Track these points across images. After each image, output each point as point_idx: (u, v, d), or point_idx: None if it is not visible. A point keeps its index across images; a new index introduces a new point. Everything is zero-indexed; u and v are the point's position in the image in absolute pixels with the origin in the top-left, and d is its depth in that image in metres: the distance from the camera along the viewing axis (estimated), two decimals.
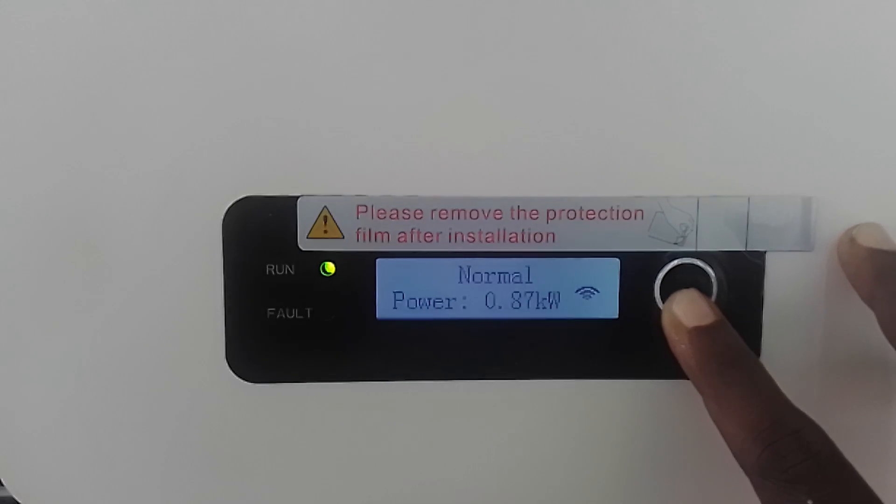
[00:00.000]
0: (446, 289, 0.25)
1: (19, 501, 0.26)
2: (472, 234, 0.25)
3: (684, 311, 0.25)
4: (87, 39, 0.24)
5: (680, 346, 0.25)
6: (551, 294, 0.26)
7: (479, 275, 0.26)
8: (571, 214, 0.25)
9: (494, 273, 0.26)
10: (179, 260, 0.25)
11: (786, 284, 0.26)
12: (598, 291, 0.26)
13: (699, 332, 0.24)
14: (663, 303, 0.25)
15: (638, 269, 0.25)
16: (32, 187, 0.25)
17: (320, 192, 0.25)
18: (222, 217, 0.25)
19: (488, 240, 0.25)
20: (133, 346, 0.25)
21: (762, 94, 0.25)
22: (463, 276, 0.25)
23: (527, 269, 0.26)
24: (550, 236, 0.25)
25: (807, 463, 0.21)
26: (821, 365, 0.26)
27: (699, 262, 0.25)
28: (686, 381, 0.24)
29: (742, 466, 0.23)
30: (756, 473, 0.22)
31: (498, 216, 0.25)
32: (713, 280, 0.25)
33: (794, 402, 0.23)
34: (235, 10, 0.24)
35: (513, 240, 0.25)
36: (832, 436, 0.22)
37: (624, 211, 0.25)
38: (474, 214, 0.25)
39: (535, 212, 0.25)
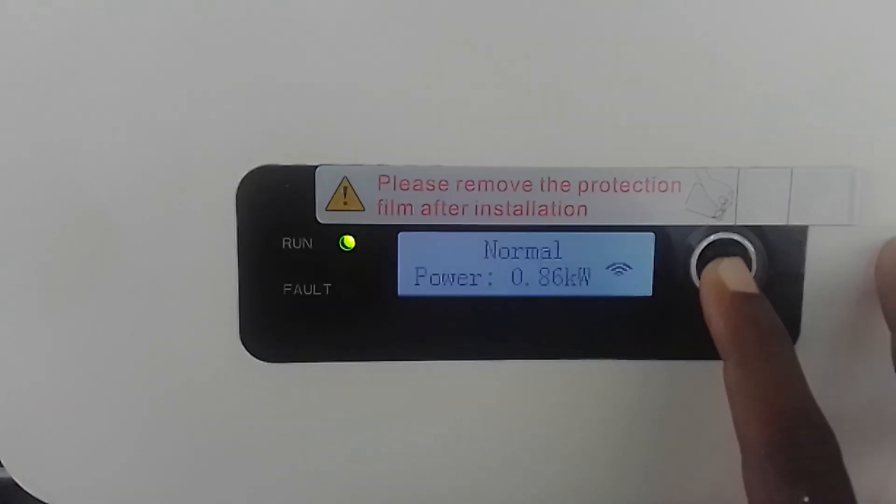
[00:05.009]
0: (471, 264, 0.24)
1: (19, 483, 0.26)
2: (499, 207, 0.24)
3: (729, 275, 0.23)
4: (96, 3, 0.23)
5: (716, 307, 0.23)
6: (581, 270, 0.25)
7: (506, 250, 0.24)
8: (605, 186, 0.24)
9: (522, 248, 0.24)
10: (191, 233, 0.24)
11: (828, 260, 0.25)
12: (630, 268, 0.25)
13: (742, 298, 0.23)
14: (700, 280, 0.24)
15: (673, 244, 0.24)
16: (40, 158, 0.23)
17: (340, 161, 0.24)
18: (236, 188, 0.24)
19: (516, 213, 0.24)
20: (143, 323, 0.24)
21: (806, 59, 0.24)
22: (489, 251, 0.24)
23: (556, 243, 0.24)
24: (582, 209, 0.24)
25: (820, 461, 0.20)
26: (860, 345, 0.25)
27: (738, 237, 0.24)
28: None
29: (743, 439, 0.21)
30: (759, 451, 0.21)
31: (527, 188, 0.24)
32: (752, 255, 0.24)
33: (831, 380, 0.23)
34: None
35: (542, 213, 0.24)
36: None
37: (660, 183, 0.24)
38: (502, 186, 0.24)
39: (566, 183, 0.24)
